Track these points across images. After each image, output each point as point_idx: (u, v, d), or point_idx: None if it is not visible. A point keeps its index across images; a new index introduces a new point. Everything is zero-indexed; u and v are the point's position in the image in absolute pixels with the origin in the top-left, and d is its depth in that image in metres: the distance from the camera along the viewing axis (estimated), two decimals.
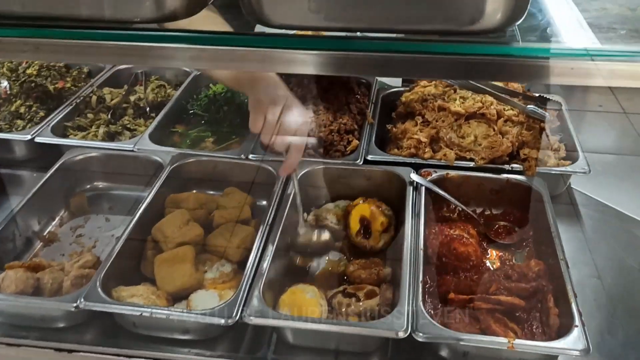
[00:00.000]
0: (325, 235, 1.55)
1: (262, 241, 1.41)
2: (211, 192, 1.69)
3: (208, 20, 1.36)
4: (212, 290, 1.35)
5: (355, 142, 1.78)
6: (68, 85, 2.10)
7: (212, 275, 1.39)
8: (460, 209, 1.61)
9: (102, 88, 2.11)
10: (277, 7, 0.91)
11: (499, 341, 1.16)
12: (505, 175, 1.64)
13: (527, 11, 0.89)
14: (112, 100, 2.05)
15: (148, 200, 1.53)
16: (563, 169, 1.67)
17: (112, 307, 1.23)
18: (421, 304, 1.23)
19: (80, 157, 1.72)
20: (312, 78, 2.08)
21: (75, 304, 1.22)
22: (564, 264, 1.33)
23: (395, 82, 2.18)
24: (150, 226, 1.49)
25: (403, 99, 1.95)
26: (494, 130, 1.72)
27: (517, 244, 1.55)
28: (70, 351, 1.27)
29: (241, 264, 1.41)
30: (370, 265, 1.42)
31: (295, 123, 1.42)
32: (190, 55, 1.01)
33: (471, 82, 1.83)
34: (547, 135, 1.79)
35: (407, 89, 2.00)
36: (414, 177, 1.60)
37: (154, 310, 1.21)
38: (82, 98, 2.02)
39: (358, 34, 1.02)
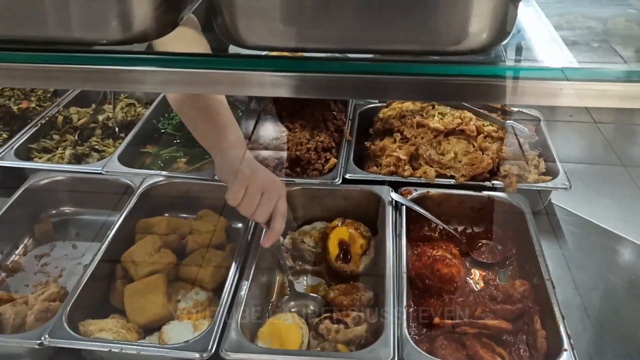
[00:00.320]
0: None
1: (238, 267, 1.35)
2: (184, 215, 1.63)
3: (194, 42, 1.30)
4: (186, 321, 1.28)
5: (333, 160, 1.74)
6: (32, 105, 2.02)
7: (185, 304, 1.32)
8: (442, 227, 1.57)
9: (68, 108, 2.03)
10: (252, 28, 0.86)
11: None
12: (486, 193, 1.60)
13: (512, 32, 0.86)
14: (79, 120, 1.98)
15: (117, 225, 1.46)
16: (544, 185, 1.64)
17: (79, 343, 1.16)
18: (406, 330, 1.18)
19: (46, 181, 1.64)
20: None
21: (39, 341, 1.15)
22: (549, 284, 1.30)
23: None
24: (120, 253, 1.42)
25: (380, 115, 1.91)
26: (473, 146, 1.69)
27: (501, 263, 1.52)
28: None
29: (217, 291, 1.35)
30: (351, 291, 1.36)
31: (277, 193, 1.34)
32: (160, 79, 0.96)
33: None
34: (527, 151, 1.77)
35: (385, 104, 1.97)
36: (395, 196, 1.56)
37: (123, 346, 1.14)
38: (47, 118, 1.93)
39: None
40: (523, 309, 1.31)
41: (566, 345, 1.15)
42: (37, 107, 2.02)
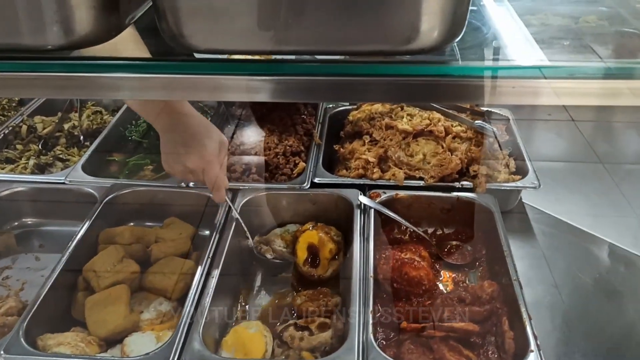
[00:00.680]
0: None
1: (202, 276, 1.32)
2: (150, 224, 1.60)
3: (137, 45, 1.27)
4: (149, 332, 1.25)
5: (301, 164, 1.72)
6: None
7: (149, 315, 1.29)
8: (412, 230, 1.56)
9: (33, 117, 1.99)
10: (199, 30, 0.84)
11: None
12: (455, 194, 1.59)
13: (464, 30, 0.85)
14: (44, 129, 1.94)
15: (79, 236, 1.43)
16: (513, 184, 1.63)
17: (36, 359, 1.12)
18: (371, 336, 1.16)
19: (7, 192, 1.60)
20: None
21: None
22: (517, 284, 1.29)
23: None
24: (82, 264, 1.38)
25: (350, 117, 1.90)
26: (442, 147, 1.68)
27: (471, 264, 1.51)
28: None
29: (181, 301, 1.32)
30: (318, 297, 1.34)
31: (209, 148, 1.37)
32: (132, 84, 0.93)
33: None
34: (497, 150, 1.76)
35: (355, 107, 1.96)
36: (363, 199, 1.54)
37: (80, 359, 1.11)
38: (10, 128, 1.90)
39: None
40: (491, 310, 1.29)
41: (532, 346, 1.14)
42: (1, 117, 1.98)
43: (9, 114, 2.02)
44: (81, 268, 1.38)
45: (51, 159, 1.79)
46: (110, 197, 1.56)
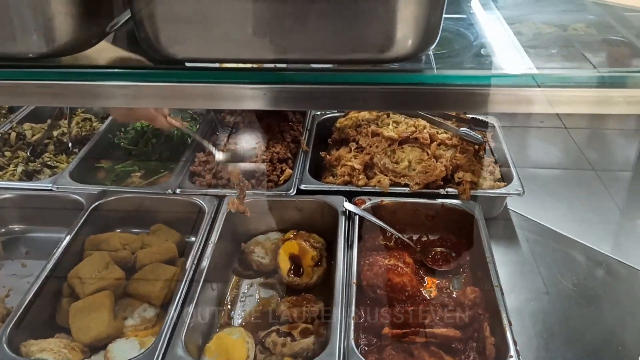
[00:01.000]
0: None
1: (186, 282, 1.33)
2: (137, 231, 1.60)
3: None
4: (132, 339, 1.26)
5: (288, 171, 1.73)
6: None
7: (133, 321, 1.30)
8: (397, 236, 1.57)
9: (22, 124, 2.00)
10: (177, 40, 0.85)
11: None
12: (440, 200, 1.61)
13: (437, 39, 0.86)
14: (33, 136, 1.95)
15: (65, 243, 1.44)
16: (498, 191, 1.65)
17: None
18: (352, 341, 1.17)
19: None
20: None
21: None
22: (498, 290, 1.30)
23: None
24: (68, 271, 1.39)
25: (338, 124, 1.91)
26: (427, 154, 1.69)
27: (455, 270, 1.52)
28: None
29: (166, 307, 1.32)
30: (301, 303, 1.35)
31: None
32: (128, 92, 0.94)
33: None
34: (482, 157, 1.78)
35: (342, 114, 1.97)
36: (348, 206, 1.55)
37: None
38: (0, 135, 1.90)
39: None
40: (473, 316, 1.31)
41: (512, 351, 1.15)
42: None
43: (1, 120, 2.03)
44: (66, 274, 1.39)
45: (39, 165, 1.79)
46: (96, 203, 1.57)
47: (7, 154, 1.84)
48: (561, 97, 0.86)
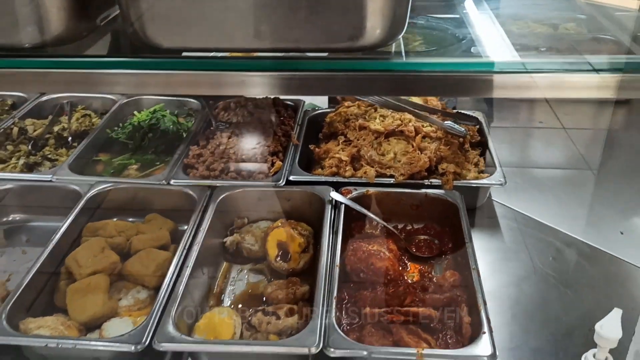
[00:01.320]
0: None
1: (178, 266, 1.39)
2: (132, 220, 1.66)
3: None
4: (126, 318, 1.32)
5: (278, 163, 1.79)
6: None
7: (126, 302, 1.37)
8: (382, 225, 1.63)
9: (24, 119, 2.07)
10: (163, 30, 0.92)
11: (408, 352, 1.17)
12: (424, 190, 1.67)
13: (404, 29, 0.93)
14: (34, 131, 2.02)
15: (63, 230, 1.50)
16: (480, 181, 1.71)
17: (16, 339, 1.20)
18: (334, 319, 1.23)
19: None
20: (238, 102, 2.09)
21: None
22: (475, 273, 1.36)
23: (322, 104, 2.21)
24: (65, 256, 1.46)
25: (327, 119, 1.98)
26: (412, 146, 1.75)
27: (437, 257, 1.58)
28: None
29: (158, 290, 1.39)
30: (287, 285, 1.41)
31: None
32: (136, 81, 1.00)
33: (391, 100, 1.87)
34: (466, 150, 1.84)
35: (333, 110, 2.04)
36: (334, 195, 1.62)
37: (59, 341, 1.18)
38: (2, 130, 1.98)
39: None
40: (451, 298, 1.36)
41: (485, 328, 1.20)
42: None
43: (1, 117, 2.10)
44: (64, 259, 1.45)
45: (40, 158, 1.86)
46: (93, 193, 1.64)
47: (10, 147, 1.92)
48: (522, 82, 0.92)
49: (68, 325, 1.27)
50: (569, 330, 1.36)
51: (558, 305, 1.45)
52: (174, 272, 1.37)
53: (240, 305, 1.42)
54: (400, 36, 0.93)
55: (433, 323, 1.32)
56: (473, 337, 1.24)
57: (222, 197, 1.64)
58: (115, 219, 1.65)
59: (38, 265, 1.39)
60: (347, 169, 1.73)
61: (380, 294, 1.39)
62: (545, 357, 1.17)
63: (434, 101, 1.95)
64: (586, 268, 1.58)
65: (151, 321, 1.22)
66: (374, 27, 0.90)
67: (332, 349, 1.16)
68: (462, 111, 1.97)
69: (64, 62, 0.95)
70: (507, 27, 1.40)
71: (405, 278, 1.49)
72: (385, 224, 1.62)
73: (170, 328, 1.22)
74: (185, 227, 1.63)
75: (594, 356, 0.94)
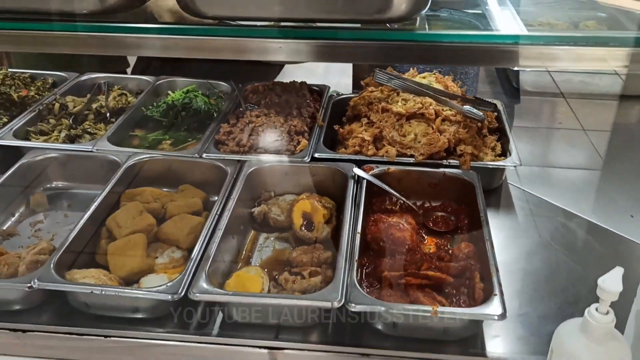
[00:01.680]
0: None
1: (210, 230, 1.49)
2: (166, 190, 1.77)
3: None
4: (162, 274, 1.43)
5: (304, 142, 1.89)
6: (32, 93, 2.18)
7: (162, 260, 1.47)
8: (402, 201, 1.72)
9: (65, 97, 2.19)
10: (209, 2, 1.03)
11: (424, 309, 1.25)
12: (442, 170, 1.75)
13: (428, 4, 1.02)
14: (74, 107, 2.13)
15: (103, 195, 1.61)
16: (496, 163, 1.79)
17: (64, 286, 1.31)
18: (355, 278, 1.32)
19: (40, 157, 1.80)
20: (266, 85, 2.20)
21: (29, 284, 1.29)
22: (489, 243, 1.44)
23: (346, 90, 2.31)
24: (105, 218, 1.57)
25: (351, 103, 2.07)
26: (432, 128, 1.84)
27: (453, 232, 1.66)
28: (24, 331, 1.33)
29: (191, 251, 1.49)
30: (311, 251, 1.51)
31: None
32: (163, 44, 1.12)
33: (412, 85, 1.96)
34: (484, 134, 1.92)
35: (357, 94, 2.13)
36: (357, 171, 1.71)
37: (104, 288, 1.29)
38: (44, 105, 2.10)
39: None
40: (466, 266, 1.45)
41: (496, 291, 1.29)
42: (36, 96, 2.19)
43: (44, 94, 2.22)
44: (104, 221, 1.57)
45: (80, 132, 1.98)
46: (131, 163, 1.75)
47: (52, 121, 2.04)
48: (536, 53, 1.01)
49: (109, 278, 1.38)
50: (576, 300, 1.44)
51: (566, 278, 1.53)
52: (206, 235, 1.47)
53: (267, 264, 1.52)
54: (425, 10, 1.02)
55: (447, 288, 1.41)
56: (485, 301, 1.33)
57: (250, 171, 1.74)
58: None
59: (81, 225, 1.49)
60: (369, 148, 1.82)
61: (399, 260, 1.48)
62: (552, 323, 1.23)
63: (453, 87, 2.03)
64: (596, 247, 1.65)
65: (186, 276, 1.32)
66: (400, 1, 0.99)
67: (352, 304, 1.26)
68: (481, 97, 2.05)
69: (122, 27, 1.06)
70: (528, 23, 1.49)
71: (424, 249, 1.57)
72: (404, 199, 1.70)
73: (204, 282, 1.32)
74: (216, 197, 1.74)
75: (596, 309, 1.02)
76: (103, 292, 1.29)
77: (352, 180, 1.69)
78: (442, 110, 1.89)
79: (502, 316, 1.23)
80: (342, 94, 2.23)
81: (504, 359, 1.27)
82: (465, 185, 1.72)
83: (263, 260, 1.56)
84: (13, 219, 1.70)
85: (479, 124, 1.91)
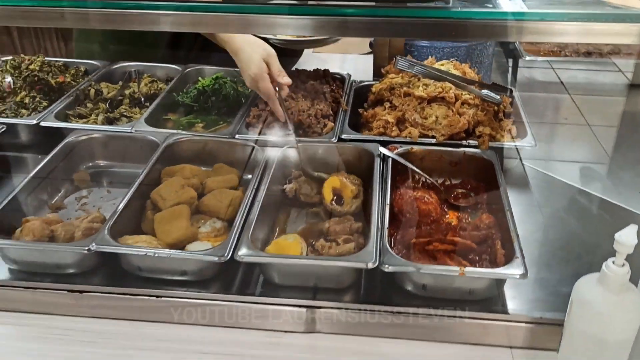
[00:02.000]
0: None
1: (248, 202, 1.60)
2: (202, 168, 1.88)
3: None
4: (205, 242, 1.54)
5: (330, 124, 2.00)
6: (68, 80, 2.29)
7: (205, 229, 1.58)
8: (424, 179, 1.83)
9: (99, 83, 2.31)
10: None
11: (451, 269, 1.36)
12: (462, 149, 1.86)
13: None
14: (108, 93, 2.25)
15: (145, 171, 1.72)
16: (513, 143, 1.90)
17: (120, 248, 1.42)
18: (387, 244, 1.43)
19: (83, 137, 1.91)
20: (291, 72, 2.31)
21: (87, 247, 1.41)
22: (509, 213, 1.55)
23: (367, 77, 2.42)
24: (148, 193, 1.68)
25: (373, 89, 2.18)
26: (452, 111, 1.95)
27: (473, 206, 1.77)
28: (81, 292, 1.44)
29: (231, 222, 1.60)
30: (343, 222, 1.62)
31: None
32: (173, 20, 1.23)
33: (432, 71, 2.07)
34: (500, 118, 2.03)
35: (378, 81, 2.24)
36: (382, 150, 1.82)
37: (157, 251, 1.40)
38: (81, 90, 2.21)
39: None
40: (487, 234, 1.56)
41: (517, 254, 1.40)
42: (72, 82, 2.30)
43: (78, 80, 2.34)
44: (147, 196, 1.68)
45: (118, 115, 2.09)
46: (170, 142, 1.86)
47: (89, 105, 2.15)
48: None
49: (159, 243, 1.49)
50: (590, 266, 1.54)
51: (580, 247, 1.63)
52: (245, 206, 1.58)
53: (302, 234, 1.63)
54: None
55: (471, 255, 1.52)
56: (506, 264, 1.44)
57: (282, 150, 1.85)
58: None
59: (128, 197, 1.60)
60: (393, 129, 1.93)
61: (425, 230, 1.59)
62: (568, 285, 1.33)
63: (471, 73, 2.14)
64: (607, 219, 1.76)
65: (231, 240, 1.43)
66: None
67: (386, 265, 1.37)
68: (497, 83, 2.16)
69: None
70: None
71: (447, 221, 1.68)
72: (427, 177, 1.81)
73: (247, 245, 1.43)
74: (249, 175, 1.85)
75: (613, 262, 1.13)
76: (156, 255, 1.40)
77: (379, 159, 1.80)
78: (461, 94, 2.00)
79: (524, 275, 1.34)
80: (363, 81, 2.34)
81: (524, 315, 1.38)
82: (484, 163, 1.83)
83: (297, 231, 1.67)
84: (59, 194, 1.81)
85: (496, 107, 2.02)
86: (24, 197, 1.68)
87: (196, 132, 2.06)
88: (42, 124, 1.98)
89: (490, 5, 1.35)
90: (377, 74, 2.38)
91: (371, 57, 2.63)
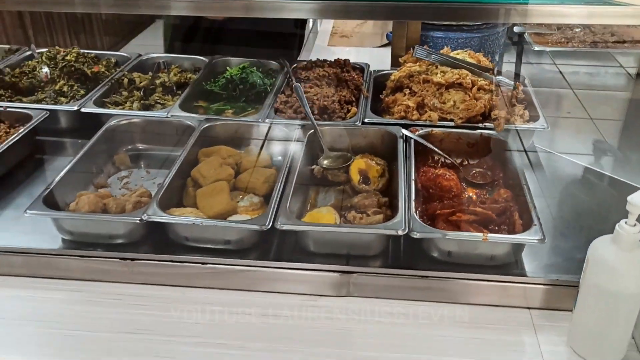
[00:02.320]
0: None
1: (283, 178, 1.72)
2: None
3: None
4: (245, 215, 1.66)
5: (354, 109, 2.12)
6: (102, 69, 2.42)
7: (243, 204, 1.70)
8: (444, 159, 1.95)
9: (131, 73, 2.43)
10: None
11: (476, 235, 1.49)
12: (479, 131, 1.98)
13: None
14: (140, 82, 2.37)
15: (185, 153, 1.84)
16: (526, 126, 2.02)
17: (170, 218, 1.54)
18: (415, 213, 1.55)
19: (124, 122, 2.03)
20: (314, 62, 2.43)
21: (139, 218, 1.53)
22: (525, 187, 1.67)
23: (383, 67, 2.55)
24: (188, 172, 1.80)
25: (392, 77, 2.30)
26: (469, 96, 2.07)
27: (490, 184, 1.89)
28: (132, 260, 1.57)
29: (267, 198, 1.72)
30: (371, 196, 1.74)
31: None
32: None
33: (449, 59, 2.19)
34: (514, 103, 2.15)
35: (396, 70, 2.36)
36: (404, 131, 1.94)
37: (204, 221, 1.53)
38: (115, 80, 2.33)
39: None
40: (505, 207, 1.68)
41: (535, 221, 1.52)
42: (105, 72, 2.43)
43: (111, 70, 2.47)
44: (187, 175, 1.80)
45: (152, 102, 2.22)
46: (205, 126, 1.98)
47: (124, 93, 2.27)
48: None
49: (201, 216, 1.61)
50: (601, 234, 1.65)
51: (592, 219, 1.75)
52: (281, 182, 1.70)
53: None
54: None
55: (490, 226, 1.64)
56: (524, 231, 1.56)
57: (309, 133, 1.97)
58: None
59: (171, 175, 1.72)
60: (413, 113, 2.06)
61: (447, 204, 1.71)
62: (581, 252, 1.45)
63: (485, 62, 2.26)
64: (617, 195, 1.88)
65: (271, 211, 1.55)
66: None
67: (415, 232, 1.49)
68: (510, 70, 2.28)
69: None
70: None
71: (467, 196, 1.81)
72: (447, 156, 1.94)
73: (285, 215, 1.55)
74: (279, 157, 1.97)
75: (625, 223, 1.25)
76: (203, 224, 1.52)
77: (401, 140, 1.92)
78: (477, 80, 2.12)
79: (542, 240, 1.46)
80: (382, 70, 2.47)
81: (541, 277, 1.50)
82: (500, 143, 1.95)
83: (328, 205, 1.79)
84: (102, 174, 1.93)
85: (510, 92, 2.15)
86: (72, 176, 1.80)
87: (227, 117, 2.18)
88: (83, 110, 2.11)
89: None
90: (395, 64, 2.51)
91: (384, 49, 2.77)
